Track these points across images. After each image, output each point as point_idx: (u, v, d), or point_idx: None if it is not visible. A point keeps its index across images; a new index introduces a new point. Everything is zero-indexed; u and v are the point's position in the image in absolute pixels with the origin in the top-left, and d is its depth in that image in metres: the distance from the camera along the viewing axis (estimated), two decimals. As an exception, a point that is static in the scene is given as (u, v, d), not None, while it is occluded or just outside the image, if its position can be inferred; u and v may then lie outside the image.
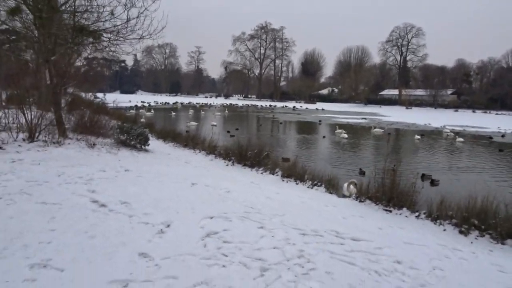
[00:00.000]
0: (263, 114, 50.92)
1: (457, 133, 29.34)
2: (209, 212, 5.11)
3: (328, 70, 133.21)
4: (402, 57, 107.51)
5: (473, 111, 79.98)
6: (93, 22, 11.66)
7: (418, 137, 25.75)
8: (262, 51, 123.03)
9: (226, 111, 50.79)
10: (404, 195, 7.18)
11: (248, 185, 7.94)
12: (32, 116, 10.41)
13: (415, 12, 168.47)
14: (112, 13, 11.28)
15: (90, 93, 38.14)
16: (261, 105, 77.38)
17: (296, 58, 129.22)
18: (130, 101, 62.99)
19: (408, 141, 25.14)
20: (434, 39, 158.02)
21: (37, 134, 10.30)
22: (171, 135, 15.65)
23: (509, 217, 5.84)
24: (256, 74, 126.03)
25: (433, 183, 11.71)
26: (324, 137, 24.50)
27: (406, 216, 6.83)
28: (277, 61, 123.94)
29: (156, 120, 26.76)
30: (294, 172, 9.52)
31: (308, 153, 17.24)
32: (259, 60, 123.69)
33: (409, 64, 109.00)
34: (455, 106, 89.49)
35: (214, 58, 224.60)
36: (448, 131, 30.84)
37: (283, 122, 36.97)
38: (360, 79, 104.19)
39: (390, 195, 7.24)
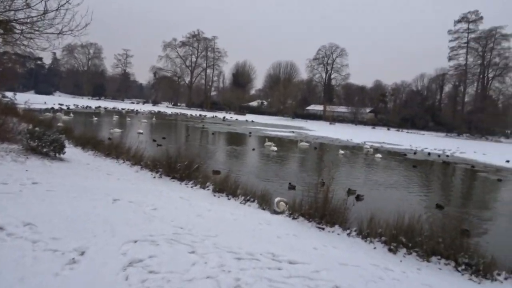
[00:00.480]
0: (192, 123, 49.92)
1: (377, 149, 31.51)
2: (132, 234, 4.51)
3: (258, 82, 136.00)
4: (327, 75, 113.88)
5: (388, 129, 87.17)
6: (2, 11, 10.24)
7: (342, 152, 27.02)
8: (194, 59, 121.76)
9: (154, 119, 48.85)
10: (336, 212, 7.21)
11: (177, 201, 7.37)
12: None
13: (340, 33, 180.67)
14: (27, 3, 10.03)
15: (-3, 92, 34.18)
16: (191, 114, 76.01)
17: (227, 69, 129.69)
18: (45, 102, 57.56)
19: (332, 155, 26.22)
20: (357, 60, 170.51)
21: None
22: (91, 143, 14.31)
23: (433, 234, 6.09)
24: (187, 82, 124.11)
25: (359, 198, 12.14)
26: (253, 149, 24.51)
27: (338, 234, 6.83)
28: (208, 71, 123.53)
29: (75, 125, 24.58)
30: (226, 187, 9.14)
31: (239, 166, 17.02)
32: (190, 68, 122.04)
33: (333, 82, 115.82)
34: (373, 123, 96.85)
35: (143, 62, 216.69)
36: (368, 147, 32.96)
37: (214, 133, 36.51)
38: (289, 93, 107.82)
39: (322, 212, 7.22)
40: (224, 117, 73.39)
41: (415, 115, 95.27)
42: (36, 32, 10.73)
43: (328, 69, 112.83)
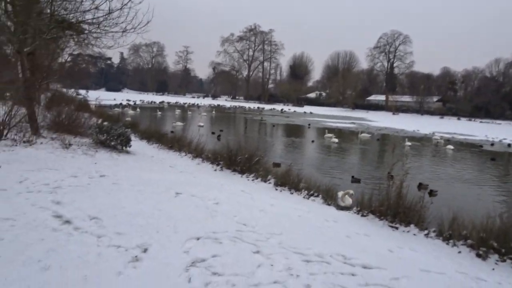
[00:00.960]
0: (251, 116, 50.17)
1: (448, 140, 29.19)
2: (195, 231, 4.32)
3: (316, 74, 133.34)
4: (389, 64, 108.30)
5: (458, 119, 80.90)
6: (72, 12, 10.75)
7: (409, 143, 25.36)
8: (251, 53, 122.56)
9: (214, 112, 49.88)
10: (411, 210, 6.51)
11: (239, 195, 7.16)
12: (3, 112, 9.45)
13: (402, 20, 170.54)
14: (95, 5, 10.41)
15: (73, 90, 36.84)
16: (249, 107, 76.58)
17: (284, 61, 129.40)
18: (115, 99, 61.40)
19: (398, 147, 24.68)
20: (421, 47, 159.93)
21: (5, 132, 9.34)
22: (155, 136, 14.75)
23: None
24: (244, 75, 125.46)
25: (432, 193, 11.09)
26: (313, 141, 23.83)
27: (414, 234, 6.16)
28: (265, 64, 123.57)
29: (141, 119, 25.74)
30: (288, 180, 8.78)
31: (299, 158, 16.56)
32: (247, 62, 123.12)
33: (396, 70, 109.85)
34: (441, 113, 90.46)
35: (202, 58, 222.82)
36: (438, 138, 30.68)
37: (275, 125, 36.33)
38: (348, 84, 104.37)
39: (395, 209, 6.57)
40: (282, 109, 72.98)
41: (490, 103, 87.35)
42: (103, 32, 11.14)
43: (390, 57, 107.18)
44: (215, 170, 10.24)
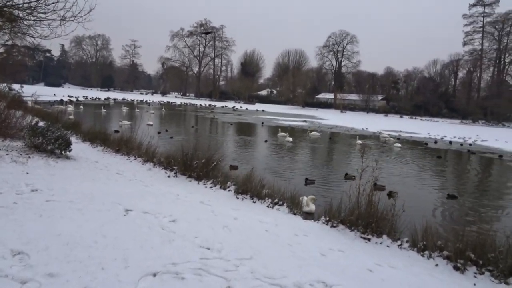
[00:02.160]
0: (202, 114, 48.96)
1: (398, 138, 30.31)
2: (150, 263, 3.55)
3: (267, 71, 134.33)
4: (337, 62, 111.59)
5: (401, 117, 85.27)
6: (-2, -5, 9.29)
7: (360, 141, 25.89)
8: (202, 49, 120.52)
9: (163, 110, 48.05)
10: (383, 219, 6.18)
11: (198, 208, 6.41)
12: None
13: (349, 20, 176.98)
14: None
15: (4, 84, 33.46)
16: (200, 104, 75.09)
17: (236, 58, 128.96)
18: (55, 94, 57.28)
19: (350, 145, 25.03)
20: (367, 47, 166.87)
21: None
22: (100, 137, 13.42)
23: (510, 249, 5.03)
24: (195, 72, 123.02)
25: (391, 195, 11.06)
26: (266, 141, 23.22)
27: (387, 246, 5.82)
28: (216, 60, 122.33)
29: (84, 118, 23.83)
30: (249, 187, 8.15)
31: (253, 159, 16.00)
32: (198, 58, 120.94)
33: (344, 69, 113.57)
34: (385, 111, 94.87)
35: (151, 53, 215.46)
36: (386, 136, 31.74)
37: (230, 124, 35.56)
38: (298, 82, 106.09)
39: (367, 219, 6.19)
40: (234, 107, 72.35)
41: (428, 102, 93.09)
42: (37, 19, 9.79)
43: (339, 56, 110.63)
44: (169, 176, 9.35)
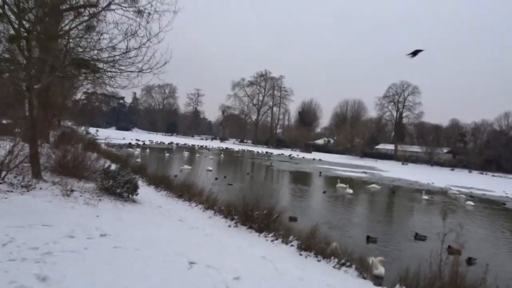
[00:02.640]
0: (259, 161, 49.34)
1: (472, 196, 27.88)
2: (217, 329, 3.29)
3: (325, 120, 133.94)
4: (398, 113, 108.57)
5: (470, 171, 79.40)
6: (88, 50, 10.32)
7: (426, 197, 24.17)
8: (260, 98, 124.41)
9: (222, 155, 49.25)
10: (470, 293, 5.39)
11: (261, 264, 6.09)
12: (5, 151, 8.73)
13: (411, 71, 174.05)
14: (111, 42, 10.00)
15: (83, 128, 36.66)
16: (257, 151, 76.10)
17: (293, 107, 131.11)
18: (124, 138, 61.49)
19: (416, 200, 23.36)
20: (430, 98, 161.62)
21: (3, 174, 8.52)
22: (164, 182, 13.84)
23: None
24: (253, 119, 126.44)
25: (470, 261, 9.87)
26: (324, 192, 22.37)
27: (478, 327, 5.01)
28: (274, 109, 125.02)
29: (149, 161, 25.04)
30: (313, 244, 7.70)
31: (311, 211, 15.42)
32: (256, 106, 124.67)
33: (405, 120, 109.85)
34: (451, 164, 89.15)
35: (212, 101, 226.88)
36: (456, 192, 29.42)
37: (290, 172, 35.34)
38: (356, 132, 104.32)
39: (451, 291, 5.45)
40: (290, 155, 72.28)
41: (500, 157, 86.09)
42: (118, 71, 10.66)
43: (399, 107, 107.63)
44: (229, 226, 9.19)
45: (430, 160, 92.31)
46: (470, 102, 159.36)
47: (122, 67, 10.53)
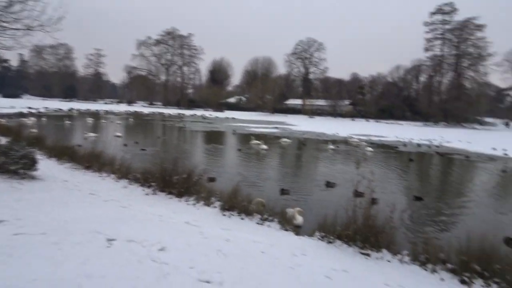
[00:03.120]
0: (172, 123, 47.86)
1: (372, 143, 30.83)
2: (147, 309, 3.08)
3: (236, 79, 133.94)
4: (305, 69, 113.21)
5: (367, 120, 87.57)
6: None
7: (332, 146, 26.08)
8: (169, 57, 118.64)
9: (131, 119, 46.60)
10: (381, 233, 5.93)
11: (185, 230, 5.92)
12: None
13: (316, 28, 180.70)
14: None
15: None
16: (169, 113, 73.64)
17: (204, 66, 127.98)
18: (13, 106, 54.24)
19: (324, 151, 25.02)
20: (334, 54, 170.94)
21: None
22: (67, 153, 12.55)
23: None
24: (162, 80, 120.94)
25: (374, 202, 10.93)
26: (239, 149, 22.63)
27: (388, 261, 5.58)
28: (184, 68, 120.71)
29: (46, 131, 22.48)
30: (235, 202, 7.72)
31: (230, 169, 15.45)
32: (165, 66, 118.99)
33: (311, 76, 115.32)
34: (352, 115, 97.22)
35: (116, 62, 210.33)
36: (357, 140, 32.23)
37: (200, 132, 34.79)
38: (267, 89, 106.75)
39: (365, 233, 5.93)
40: (203, 115, 71.46)
41: (393, 106, 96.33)
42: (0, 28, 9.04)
43: (306, 63, 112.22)
44: (147, 194, 8.75)
45: (334, 112, 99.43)
46: (368, 57, 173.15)
47: (4, 24, 8.93)
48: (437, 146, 31.84)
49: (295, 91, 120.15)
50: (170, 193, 8.68)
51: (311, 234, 6.60)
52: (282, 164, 18.65)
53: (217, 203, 7.95)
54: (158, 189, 8.88)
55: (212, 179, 12.49)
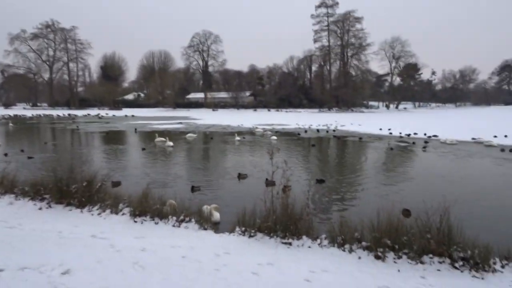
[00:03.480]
0: (63, 125, 43.30)
1: (276, 132, 31.96)
2: None
3: (131, 74, 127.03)
4: (204, 62, 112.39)
5: (269, 110, 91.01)
6: None
7: (238, 138, 26.39)
8: (51, 53, 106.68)
9: (11, 124, 40.86)
10: (300, 220, 6.02)
11: (93, 245, 5.23)
12: None
13: (212, 21, 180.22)
14: None
15: None
16: (57, 115, 66.59)
17: (94, 62, 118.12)
18: None
19: (231, 143, 25.14)
20: (231, 46, 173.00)
21: None
22: None
23: (419, 231, 5.36)
24: (46, 79, 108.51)
25: (285, 190, 11.23)
26: (144, 148, 21.29)
27: (309, 247, 5.68)
28: (71, 65, 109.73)
29: None
30: (147, 207, 7.13)
31: (135, 171, 14.42)
32: (47, 63, 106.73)
33: (211, 68, 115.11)
34: (253, 106, 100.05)
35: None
36: (262, 130, 33.16)
37: (98, 133, 31.92)
38: (166, 84, 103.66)
39: (285, 222, 5.96)
40: (99, 114, 66.32)
41: (290, 95, 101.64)
42: None
43: (204, 56, 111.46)
44: (40, 208, 7.59)
45: (236, 104, 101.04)
46: (264, 49, 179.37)
47: None
48: (334, 130, 34.52)
49: (196, 85, 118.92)
50: (69, 204, 7.67)
51: (231, 230, 6.42)
52: (191, 160, 18.15)
53: (126, 209, 7.26)
54: (54, 201, 7.77)
55: (116, 184, 11.51)
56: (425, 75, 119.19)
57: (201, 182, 12.05)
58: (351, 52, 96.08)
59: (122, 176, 13.01)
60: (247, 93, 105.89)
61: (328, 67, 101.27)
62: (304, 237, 5.87)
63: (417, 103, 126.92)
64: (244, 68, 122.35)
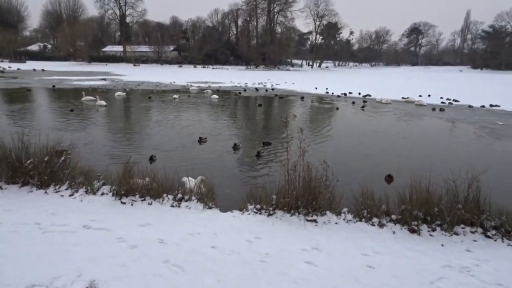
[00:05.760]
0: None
1: (218, 90, 30.72)
2: None
3: (34, 21, 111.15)
4: (121, 11, 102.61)
5: (194, 67, 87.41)
6: None
7: (176, 96, 24.91)
8: None
9: None
10: (320, 194, 5.51)
11: (96, 240, 4.16)
12: None
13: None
14: None
15: None
16: None
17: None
18: None
19: (171, 102, 23.42)
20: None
21: None
22: None
23: (452, 200, 5.21)
24: None
25: (259, 155, 10.69)
26: (72, 110, 18.19)
27: (336, 223, 5.26)
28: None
29: None
30: (134, 184, 6.00)
31: (78, 138, 12.40)
32: None
33: (129, 19, 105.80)
34: (178, 62, 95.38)
35: None
36: (197, 88, 31.79)
37: (28, 90, 27.27)
38: (77, 34, 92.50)
39: (307, 198, 5.42)
40: (0, 67, 57.32)
41: (217, 51, 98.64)
42: None
43: (121, 4, 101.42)
44: (-12, 192, 6.01)
45: (159, 59, 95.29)
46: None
47: None
48: (273, 89, 34.22)
49: (112, 37, 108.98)
50: (25, 183, 6.20)
51: (241, 208, 5.70)
52: (132, 123, 16.35)
53: (106, 188, 6.06)
54: (6, 180, 6.23)
55: (60, 153, 9.80)
56: (344, 34, 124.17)
57: (160, 148, 10.90)
58: (278, 8, 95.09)
59: (64, 145, 11.17)
60: (171, 48, 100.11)
61: (254, 23, 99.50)
62: (328, 213, 5.42)
63: (336, 62, 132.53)
64: (166, 20, 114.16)
